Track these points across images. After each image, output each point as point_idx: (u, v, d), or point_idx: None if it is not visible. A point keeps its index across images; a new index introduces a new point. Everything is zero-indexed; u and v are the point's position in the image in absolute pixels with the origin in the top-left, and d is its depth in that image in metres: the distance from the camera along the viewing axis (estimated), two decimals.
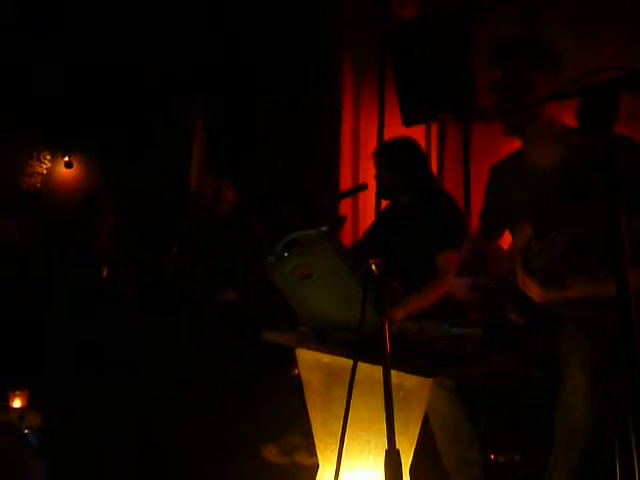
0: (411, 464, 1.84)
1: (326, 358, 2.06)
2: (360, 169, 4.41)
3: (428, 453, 2.11)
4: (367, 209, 4.25)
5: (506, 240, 2.22)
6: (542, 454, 1.82)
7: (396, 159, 2.96)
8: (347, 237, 4.08)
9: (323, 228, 1.93)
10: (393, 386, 1.40)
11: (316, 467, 2.11)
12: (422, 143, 3.75)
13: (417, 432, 1.84)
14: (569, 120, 1.91)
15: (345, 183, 4.36)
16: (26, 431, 2.99)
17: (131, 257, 4.66)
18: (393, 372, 1.43)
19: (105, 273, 4.48)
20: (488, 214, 2.30)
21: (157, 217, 5.20)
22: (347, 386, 1.49)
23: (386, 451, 1.35)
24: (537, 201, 1.97)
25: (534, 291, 1.77)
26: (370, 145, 4.10)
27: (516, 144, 2.13)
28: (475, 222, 2.49)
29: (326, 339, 2.04)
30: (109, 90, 5.51)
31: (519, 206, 2.05)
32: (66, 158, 5.89)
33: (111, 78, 5.46)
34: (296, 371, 2.32)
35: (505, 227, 2.20)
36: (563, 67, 1.98)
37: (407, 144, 3.05)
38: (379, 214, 3.72)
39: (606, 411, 1.61)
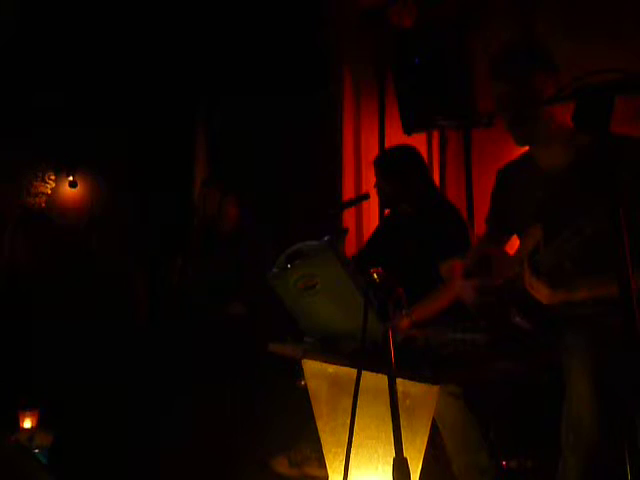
0: (421, 471, 1.84)
1: (331, 368, 2.06)
2: (362, 178, 4.41)
3: (438, 460, 2.10)
4: (371, 218, 4.25)
5: (513, 244, 2.20)
6: (554, 459, 1.81)
7: (395, 167, 2.93)
8: (351, 247, 4.08)
9: (325, 238, 1.93)
10: (399, 394, 1.40)
11: (326, 479, 2.10)
12: (423, 150, 3.76)
13: (425, 440, 1.83)
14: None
15: (348, 193, 4.36)
16: (36, 451, 3.00)
17: (139, 269, 4.66)
18: (399, 380, 1.43)
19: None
20: (496, 218, 2.26)
21: (162, 231, 5.22)
22: (353, 395, 1.49)
23: (394, 459, 1.35)
24: (546, 203, 1.96)
25: (542, 292, 1.76)
26: (372, 154, 4.11)
27: (517, 148, 2.12)
28: (478, 227, 2.49)
29: (331, 349, 2.03)
30: (111, 109, 5.55)
31: (528, 208, 2.02)
32: (70, 178, 5.90)
33: (114, 97, 5.50)
34: (303, 382, 2.31)
35: (514, 230, 2.16)
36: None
37: (406, 152, 3.02)
38: (381, 222, 3.72)
39: (611, 414, 1.60)
